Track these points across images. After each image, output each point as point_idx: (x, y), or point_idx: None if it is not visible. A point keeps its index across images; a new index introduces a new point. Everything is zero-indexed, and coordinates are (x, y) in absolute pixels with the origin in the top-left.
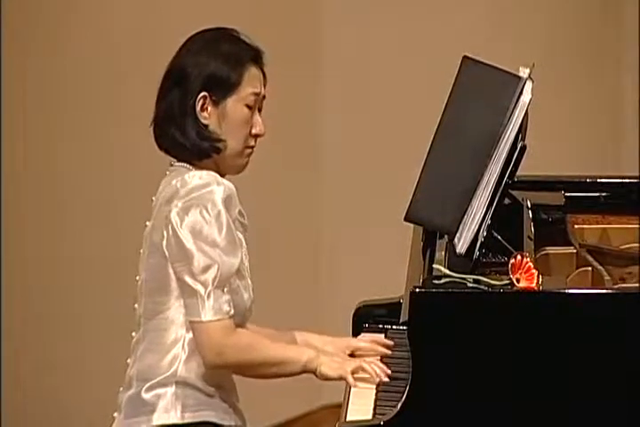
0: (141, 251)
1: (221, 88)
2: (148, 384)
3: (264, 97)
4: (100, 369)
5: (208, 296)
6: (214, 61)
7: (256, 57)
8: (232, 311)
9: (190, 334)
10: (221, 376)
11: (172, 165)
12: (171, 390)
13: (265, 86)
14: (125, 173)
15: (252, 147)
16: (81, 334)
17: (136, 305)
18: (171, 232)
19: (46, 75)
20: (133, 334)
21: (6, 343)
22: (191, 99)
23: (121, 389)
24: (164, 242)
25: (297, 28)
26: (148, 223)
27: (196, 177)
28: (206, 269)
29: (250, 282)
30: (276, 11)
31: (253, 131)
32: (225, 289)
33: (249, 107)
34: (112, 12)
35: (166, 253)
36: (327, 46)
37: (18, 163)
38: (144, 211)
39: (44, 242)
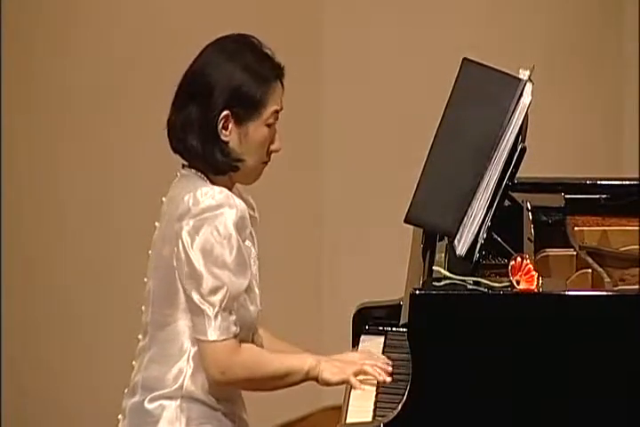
0: (150, 252)
1: (246, 108)
2: (152, 395)
3: (282, 109)
4: (100, 370)
5: (215, 317)
6: (240, 76)
7: (281, 74)
8: (238, 330)
9: (196, 348)
10: (228, 389)
11: (183, 168)
12: (176, 403)
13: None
14: (126, 174)
15: (268, 162)
16: (81, 335)
17: (143, 308)
18: (181, 251)
19: (47, 76)
20: (140, 336)
21: (6, 344)
22: (214, 115)
23: (125, 391)
24: (174, 259)
25: (298, 29)
26: (157, 224)
27: (209, 197)
28: (215, 290)
29: (258, 291)
30: (276, 11)
31: (272, 147)
32: (232, 310)
33: (269, 125)
34: (113, 12)
35: (175, 269)
36: (328, 46)
37: (18, 164)
38: (144, 212)
39: (43, 243)
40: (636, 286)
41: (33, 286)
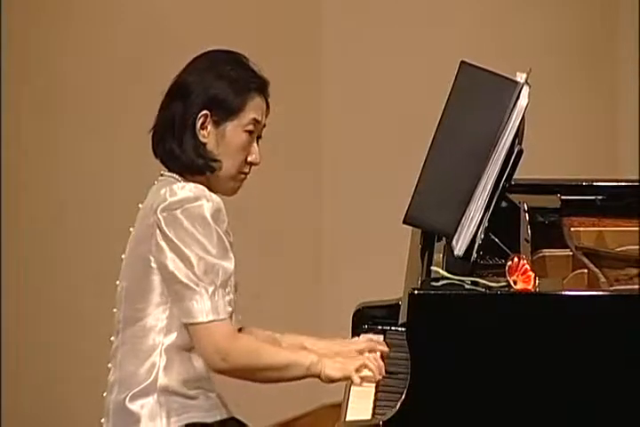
0: (123, 256)
1: (223, 111)
2: (130, 393)
3: (264, 126)
4: (100, 370)
5: (212, 295)
6: (219, 83)
7: (262, 87)
8: (232, 311)
9: (168, 340)
10: (202, 378)
11: (162, 175)
12: (154, 398)
13: (266, 116)
14: (127, 173)
15: (246, 173)
16: (82, 335)
17: (115, 310)
18: (163, 241)
19: (47, 77)
20: (112, 338)
21: (6, 344)
22: (192, 115)
23: (104, 394)
24: (153, 251)
25: (298, 29)
26: (131, 229)
27: (186, 189)
28: (209, 269)
29: (233, 297)
30: (276, 12)
31: (249, 158)
32: (227, 290)
33: (249, 133)
34: (114, 12)
35: (152, 260)
36: (328, 48)
37: (17, 163)
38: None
39: (43, 243)
40: (632, 286)
41: (32, 287)
